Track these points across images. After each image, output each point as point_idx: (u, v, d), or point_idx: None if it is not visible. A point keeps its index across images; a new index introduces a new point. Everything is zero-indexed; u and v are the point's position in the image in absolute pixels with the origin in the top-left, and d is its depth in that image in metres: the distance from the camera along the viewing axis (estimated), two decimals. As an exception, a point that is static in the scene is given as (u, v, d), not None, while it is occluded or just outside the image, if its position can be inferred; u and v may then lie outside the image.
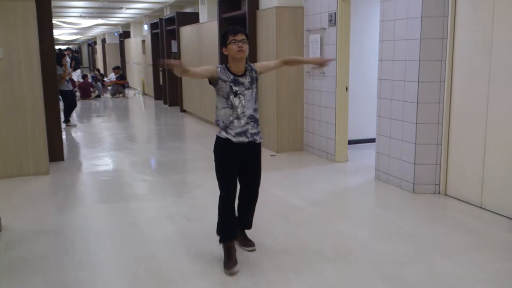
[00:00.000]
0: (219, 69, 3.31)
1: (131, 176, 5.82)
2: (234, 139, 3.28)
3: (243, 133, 3.30)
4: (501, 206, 4.19)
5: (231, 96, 3.27)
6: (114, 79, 16.66)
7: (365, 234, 3.88)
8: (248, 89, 3.32)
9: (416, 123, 4.69)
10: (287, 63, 3.64)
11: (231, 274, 3.18)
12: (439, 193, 4.77)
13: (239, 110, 3.27)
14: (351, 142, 6.73)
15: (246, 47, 3.27)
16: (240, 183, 3.48)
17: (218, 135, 3.35)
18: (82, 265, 3.34)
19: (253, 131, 3.35)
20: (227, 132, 3.30)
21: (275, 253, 3.50)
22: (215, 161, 3.39)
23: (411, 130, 4.75)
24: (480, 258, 3.38)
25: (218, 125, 3.36)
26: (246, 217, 3.59)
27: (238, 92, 3.27)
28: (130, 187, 5.37)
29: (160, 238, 3.82)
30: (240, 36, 3.25)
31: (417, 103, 4.65)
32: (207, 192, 5.03)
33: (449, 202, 4.60)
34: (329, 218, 4.27)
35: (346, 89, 6.04)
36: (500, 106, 4.13)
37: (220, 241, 3.38)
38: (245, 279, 3.10)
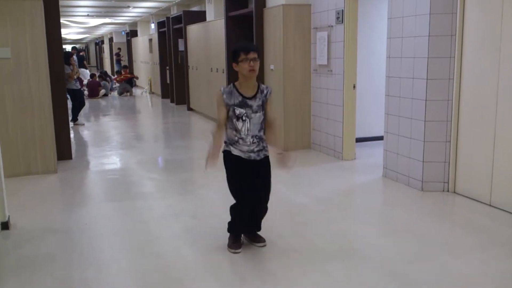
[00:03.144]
0: (224, 95, 3.26)
1: (139, 174, 5.83)
2: (242, 155, 3.31)
3: (249, 151, 3.32)
4: (510, 204, 4.15)
5: (234, 120, 3.26)
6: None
7: (373, 232, 3.86)
8: (256, 112, 3.27)
9: (425, 121, 4.65)
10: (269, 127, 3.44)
11: (235, 253, 3.40)
12: (447, 191, 4.73)
13: (242, 133, 3.27)
14: (358, 140, 6.70)
15: (257, 66, 3.22)
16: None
17: (226, 148, 3.37)
18: (89, 263, 3.35)
19: (258, 148, 3.35)
20: (233, 146, 3.32)
21: (282, 252, 3.49)
22: (226, 171, 3.42)
23: (419, 127, 4.72)
24: (488, 256, 3.35)
25: (224, 142, 3.37)
26: (255, 221, 3.59)
27: (243, 114, 3.23)
28: (137, 185, 5.37)
29: (167, 236, 3.82)
30: (252, 55, 3.20)
31: (426, 100, 4.62)
32: (214, 190, 5.02)
33: (457, 200, 4.56)
34: (336, 216, 4.25)
35: (354, 86, 6.01)
36: (509, 103, 4.08)
37: (230, 231, 3.52)
38: (252, 277, 3.09)
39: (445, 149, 4.67)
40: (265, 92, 3.32)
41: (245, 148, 3.31)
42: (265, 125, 3.38)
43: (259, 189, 3.44)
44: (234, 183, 3.41)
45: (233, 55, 3.29)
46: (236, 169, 3.38)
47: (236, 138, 3.29)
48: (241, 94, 3.26)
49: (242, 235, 3.62)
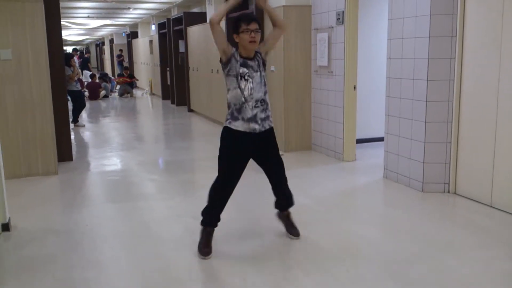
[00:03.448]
0: (233, 49, 3.35)
1: (139, 175, 5.83)
2: (245, 128, 3.28)
3: (253, 118, 3.30)
4: (511, 205, 4.14)
5: (238, 78, 3.29)
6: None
7: (374, 233, 3.86)
8: (257, 71, 3.33)
9: (425, 122, 4.65)
10: (273, 24, 3.55)
11: (205, 259, 3.31)
12: (448, 192, 4.73)
13: (245, 92, 3.28)
14: (359, 141, 6.70)
15: (258, 37, 3.29)
16: (265, 172, 3.56)
17: (228, 126, 3.33)
18: (90, 264, 3.35)
19: (262, 115, 3.34)
20: (238, 121, 3.29)
21: (284, 252, 3.49)
22: (221, 148, 3.39)
23: (420, 128, 4.72)
24: (489, 256, 3.35)
25: (229, 107, 3.36)
26: (285, 197, 3.66)
27: (246, 74, 3.29)
28: (138, 186, 5.37)
29: (168, 237, 3.82)
30: (253, 25, 3.25)
31: (426, 101, 4.62)
32: (215, 191, 5.02)
33: (458, 200, 4.56)
34: (337, 217, 4.25)
35: (354, 87, 6.01)
36: (510, 104, 4.08)
37: (202, 224, 3.45)
38: (253, 277, 3.09)
39: (446, 150, 4.67)
40: (258, 51, 3.41)
41: (249, 113, 3.28)
42: (272, 33, 3.53)
43: (277, 168, 3.53)
44: (226, 159, 3.37)
45: (234, 26, 3.33)
46: (232, 147, 3.35)
47: (240, 101, 3.28)
48: (242, 57, 3.34)
49: (278, 217, 3.70)
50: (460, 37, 4.47)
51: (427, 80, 4.58)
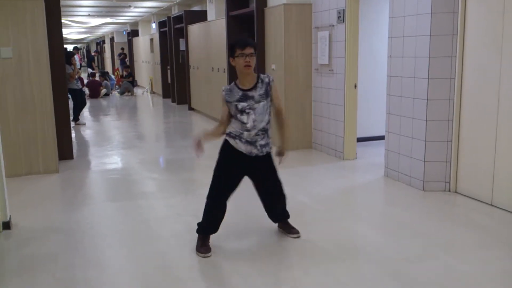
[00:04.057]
0: (224, 93, 3.33)
1: (140, 174, 5.84)
2: (242, 149, 3.32)
3: (253, 143, 3.33)
4: (511, 203, 4.15)
5: (238, 115, 3.29)
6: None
7: (374, 232, 3.86)
8: (259, 102, 3.29)
9: (426, 120, 4.65)
10: (276, 116, 3.49)
11: (205, 257, 3.34)
12: (449, 190, 4.73)
13: (248, 125, 3.28)
14: (360, 140, 6.70)
15: (253, 61, 3.27)
16: (257, 191, 3.60)
17: (228, 139, 3.37)
18: (91, 263, 3.35)
19: (262, 142, 3.37)
20: (236, 140, 3.33)
21: (284, 251, 3.49)
22: (217, 162, 3.44)
23: (421, 127, 4.71)
24: (489, 255, 3.35)
25: (228, 132, 3.38)
26: (279, 212, 3.69)
27: (247, 107, 3.26)
28: (139, 185, 5.38)
29: (169, 236, 3.82)
30: (248, 50, 3.23)
31: (427, 100, 4.61)
32: (215, 190, 5.02)
33: (459, 199, 4.56)
34: (338, 215, 4.24)
35: (355, 86, 6.01)
36: (511, 102, 4.08)
37: (198, 232, 3.48)
38: (253, 277, 3.09)
39: (447, 149, 4.67)
40: (266, 80, 3.34)
41: (249, 139, 3.30)
42: (274, 114, 3.43)
43: (271, 191, 3.56)
44: (221, 172, 3.41)
45: (230, 50, 3.31)
46: (229, 162, 3.39)
47: (241, 131, 3.30)
48: (240, 89, 3.30)
49: (277, 226, 3.74)
50: (461, 35, 4.46)
51: (428, 78, 4.57)
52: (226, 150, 3.40)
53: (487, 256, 3.34)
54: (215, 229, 3.51)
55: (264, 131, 3.35)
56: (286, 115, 3.50)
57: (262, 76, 3.37)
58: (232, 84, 3.36)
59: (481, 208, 4.30)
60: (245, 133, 3.30)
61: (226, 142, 3.40)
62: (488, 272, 3.12)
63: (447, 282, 2.99)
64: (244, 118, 3.27)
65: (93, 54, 24.75)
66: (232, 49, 3.28)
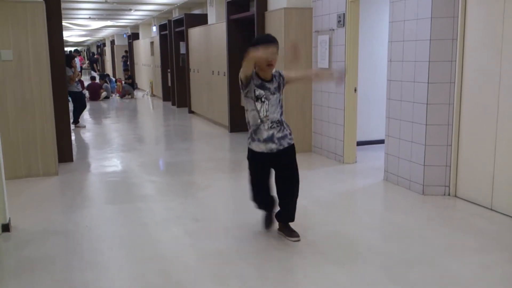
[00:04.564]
0: (253, 72, 3.45)
1: (140, 177, 5.83)
2: (263, 149, 3.48)
3: (270, 139, 3.46)
4: (511, 208, 4.15)
5: (254, 101, 3.43)
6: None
7: (374, 236, 3.85)
8: (274, 94, 3.45)
9: (426, 124, 4.65)
10: (317, 76, 3.71)
11: (267, 231, 3.76)
12: (449, 194, 4.73)
13: (261, 114, 3.42)
14: (360, 144, 6.70)
15: (275, 60, 3.39)
16: (276, 184, 3.69)
17: (249, 146, 3.56)
18: (90, 265, 3.34)
19: (279, 135, 3.50)
20: (255, 142, 3.49)
21: (283, 255, 3.49)
22: (248, 166, 3.68)
23: (420, 131, 4.72)
24: (489, 260, 3.35)
25: (248, 127, 3.55)
26: (287, 212, 3.73)
27: (263, 96, 3.41)
28: (138, 188, 5.37)
29: (168, 239, 3.81)
30: (272, 49, 3.32)
31: (427, 104, 4.61)
32: (215, 193, 5.02)
33: (459, 203, 4.56)
34: (337, 219, 4.24)
35: (355, 90, 6.01)
36: (510, 107, 4.08)
37: (256, 208, 3.82)
38: (252, 280, 3.09)
39: (446, 153, 4.67)
40: (278, 74, 3.51)
41: (265, 134, 3.45)
42: (302, 78, 3.77)
43: (287, 183, 3.63)
44: (251, 171, 3.66)
45: (253, 48, 3.33)
46: (256, 169, 3.62)
47: (258, 121, 3.44)
48: (260, 78, 3.43)
49: (277, 230, 3.80)
50: (461, 40, 4.47)
51: (428, 82, 4.58)
52: (250, 156, 3.60)
53: (487, 261, 3.34)
54: (269, 208, 3.76)
55: (279, 123, 3.48)
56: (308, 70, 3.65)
57: (277, 70, 3.52)
58: (253, 71, 3.46)
59: (481, 212, 4.30)
60: (261, 126, 3.43)
61: (248, 150, 3.59)
62: (488, 276, 3.12)
63: (446, 286, 2.98)
64: (258, 105, 3.41)
65: (96, 56, 24.61)
66: (255, 47, 3.32)
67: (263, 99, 3.41)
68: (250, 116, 3.49)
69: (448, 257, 3.40)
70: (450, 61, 4.53)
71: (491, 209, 4.32)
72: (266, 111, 3.41)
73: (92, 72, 20.98)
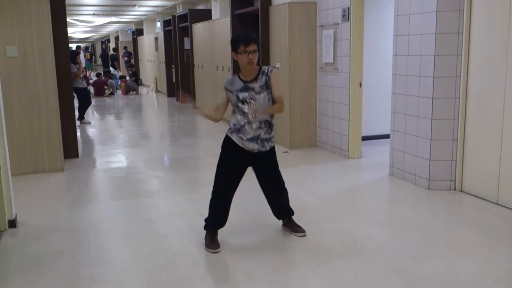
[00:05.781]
0: (225, 81, 3.40)
1: (145, 173, 5.85)
2: (244, 146, 3.35)
3: (255, 139, 3.35)
4: (518, 203, 4.12)
5: (240, 104, 3.32)
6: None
7: (379, 231, 3.85)
8: (259, 93, 3.32)
9: (432, 119, 4.63)
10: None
11: (215, 252, 3.38)
12: (454, 189, 4.71)
13: (250, 116, 3.30)
14: (365, 138, 6.68)
15: (255, 58, 3.30)
16: (260, 185, 3.62)
17: (229, 135, 3.40)
18: (96, 261, 3.36)
19: (265, 136, 3.39)
20: (238, 136, 3.35)
21: (289, 250, 3.49)
22: (220, 156, 3.48)
23: (426, 125, 4.70)
24: (495, 254, 3.34)
25: (230, 127, 3.42)
26: (283, 208, 3.70)
27: (247, 97, 3.29)
28: (143, 183, 5.38)
29: (173, 234, 3.82)
30: (252, 47, 3.26)
31: (433, 98, 4.59)
32: (220, 188, 5.03)
33: (464, 198, 4.54)
34: (342, 214, 4.24)
35: (360, 84, 5.99)
36: (517, 101, 4.06)
37: (205, 228, 3.53)
38: (258, 275, 3.09)
39: (452, 147, 4.65)
40: (266, 71, 3.36)
41: (251, 133, 3.33)
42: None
43: (271, 178, 3.57)
44: (222, 170, 3.46)
45: (232, 45, 3.32)
46: (231, 157, 3.43)
47: (243, 122, 3.33)
48: (242, 80, 3.35)
49: (281, 225, 3.75)
50: (467, 33, 4.44)
51: (433, 77, 4.55)
52: (228, 146, 3.42)
53: (492, 255, 3.33)
54: (221, 223, 3.53)
55: (267, 124, 3.38)
56: (284, 104, 3.44)
57: (263, 68, 3.39)
58: (235, 75, 3.42)
59: (487, 207, 4.28)
60: (247, 125, 3.32)
61: (227, 138, 3.42)
62: (493, 271, 3.11)
63: (452, 281, 2.98)
64: (245, 107, 3.30)
65: (113, 52, 23.45)
66: (235, 44, 3.29)
67: (248, 100, 3.28)
68: (233, 118, 3.38)
69: (453, 251, 3.39)
70: (456, 55, 4.50)
71: (497, 204, 4.30)
72: (255, 112, 3.27)
73: (112, 69, 20.45)
